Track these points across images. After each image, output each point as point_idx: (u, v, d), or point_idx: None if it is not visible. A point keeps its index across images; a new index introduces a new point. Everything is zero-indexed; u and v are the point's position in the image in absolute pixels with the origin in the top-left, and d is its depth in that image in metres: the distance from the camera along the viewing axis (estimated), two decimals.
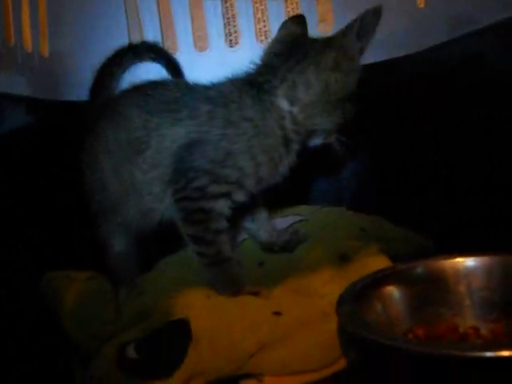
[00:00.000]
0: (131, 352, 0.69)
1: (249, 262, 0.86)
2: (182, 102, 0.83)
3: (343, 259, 0.81)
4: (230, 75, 1.12)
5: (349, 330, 0.58)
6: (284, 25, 0.89)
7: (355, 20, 0.79)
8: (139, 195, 0.83)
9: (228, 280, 0.77)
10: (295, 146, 0.83)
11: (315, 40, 0.84)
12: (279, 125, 0.81)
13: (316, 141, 0.86)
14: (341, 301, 0.63)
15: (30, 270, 0.81)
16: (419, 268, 0.71)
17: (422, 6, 1.03)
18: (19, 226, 0.81)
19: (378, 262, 0.79)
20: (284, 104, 0.80)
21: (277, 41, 0.87)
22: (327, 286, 0.76)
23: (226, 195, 0.79)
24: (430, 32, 0.99)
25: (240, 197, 0.81)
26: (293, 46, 0.83)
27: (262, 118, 0.80)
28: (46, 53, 1.01)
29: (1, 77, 0.82)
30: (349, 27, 0.80)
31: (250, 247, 0.94)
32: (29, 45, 0.92)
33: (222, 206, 0.79)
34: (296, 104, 0.80)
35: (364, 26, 0.79)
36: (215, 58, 1.16)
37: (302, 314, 0.72)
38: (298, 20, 0.89)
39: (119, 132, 0.85)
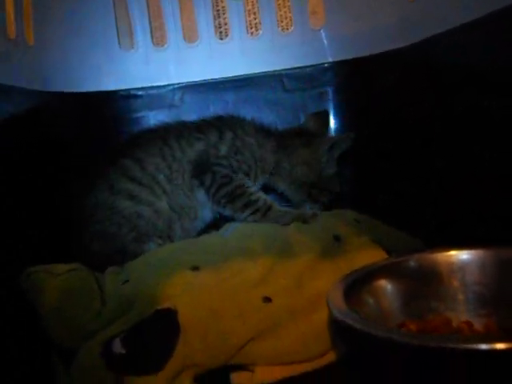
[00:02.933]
0: (118, 346, 0.67)
1: (238, 233, 0.91)
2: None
3: (337, 239, 0.85)
4: (219, 67, 1.12)
5: (340, 323, 0.56)
6: (306, 118, 1.13)
7: (333, 137, 1.05)
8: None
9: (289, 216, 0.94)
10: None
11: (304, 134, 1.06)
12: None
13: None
14: (332, 294, 0.62)
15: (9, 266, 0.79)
16: (412, 261, 0.69)
17: None
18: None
19: (372, 254, 0.79)
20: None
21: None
22: (317, 276, 0.76)
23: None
24: (421, 25, 0.98)
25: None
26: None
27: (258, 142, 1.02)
28: (31, 40, 0.98)
29: None
30: (325, 141, 1.03)
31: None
32: (12, 31, 0.89)
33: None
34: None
35: (337, 145, 1.02)
36: (205, 51, 1.14)
37: (291, 301, 0.71)
38: (318, 116, 1.12)
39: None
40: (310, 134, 1.07)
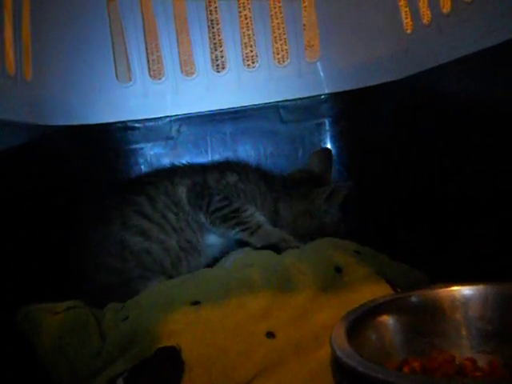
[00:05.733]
0: None
1: (238, 263, 0.90)
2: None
3: (338, 271, 0.83)
4: (216, 99, 1.13)
5: (343, 365, 0.56)
6: (310, 157, 1.12)
7: (330, 187, 1.03)
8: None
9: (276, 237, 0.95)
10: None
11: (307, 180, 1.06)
12: None
13: None
14: (335, 333, 0.61)
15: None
16: (415, 297, 0.69)
17: (409, 31, 1.03)
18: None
19: (374, 285, 0.78)
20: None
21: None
22: (321, 309, 0.75)
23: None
24: (418, 58, 0.99)
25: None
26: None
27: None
28: (29, 77, 0.99)
29: None
30: (321, 192, 1.02)
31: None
32: (12, 68, 0.90)
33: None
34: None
35: (336, 193, 1.02)
36: (202, 83, 1.15)
37: (296, 335, 0.70)
38: (321, 154, 1.11)
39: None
40: (314, 176, 1.08)
